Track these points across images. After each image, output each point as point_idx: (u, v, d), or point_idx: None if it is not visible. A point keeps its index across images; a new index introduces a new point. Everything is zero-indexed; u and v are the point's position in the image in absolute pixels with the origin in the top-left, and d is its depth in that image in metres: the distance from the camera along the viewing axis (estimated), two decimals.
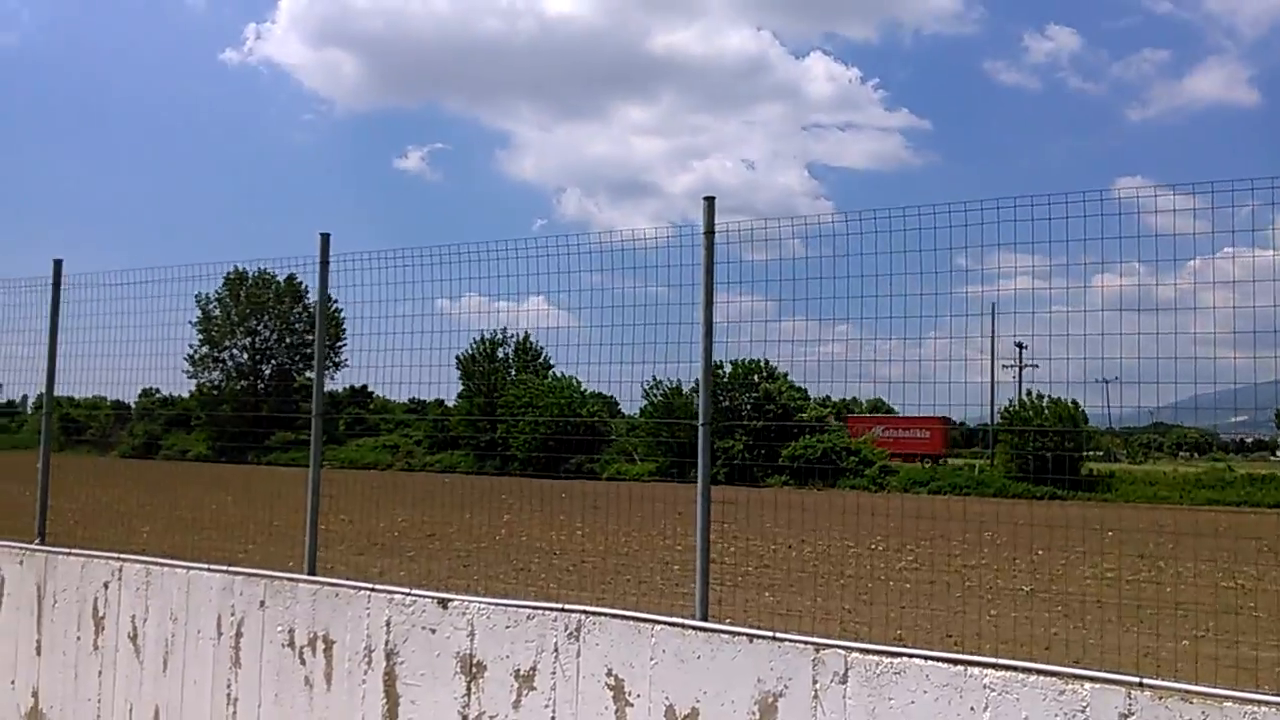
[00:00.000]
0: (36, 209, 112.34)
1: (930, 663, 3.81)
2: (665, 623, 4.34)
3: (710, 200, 4.55)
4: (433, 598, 4.97)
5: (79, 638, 6.09)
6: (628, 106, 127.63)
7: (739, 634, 4.15)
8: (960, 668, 3.76)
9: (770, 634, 4.10)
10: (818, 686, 3.97)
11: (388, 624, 5.05)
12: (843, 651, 3.96)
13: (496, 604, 4.80)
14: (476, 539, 19.44)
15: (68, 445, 20.96)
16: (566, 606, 4.62)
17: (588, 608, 4.59)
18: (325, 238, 5.80)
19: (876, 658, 3.89)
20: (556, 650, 4.56)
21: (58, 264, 6.82)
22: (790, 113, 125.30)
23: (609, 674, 4.42)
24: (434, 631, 4.91)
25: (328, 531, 19.93)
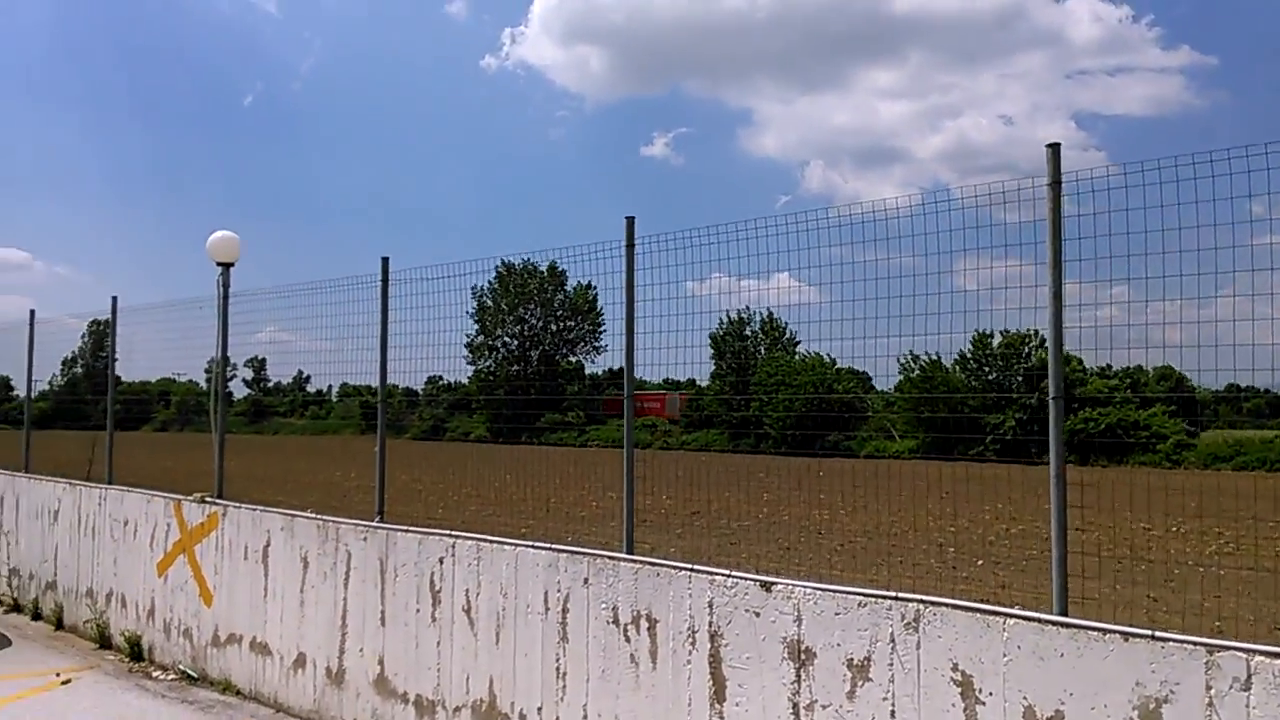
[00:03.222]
0: (347, 214, 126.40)
1: None
2: (1020, 617, 4.03)
3: (1054, 147, 4.16)
4: (755, 580, 4.92)
5: (418, 610, 6.59)
6: (872, 71, 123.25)
7: (1111, 631, 3.77)
8: None
9: (1149, 633, 3.69)
10: (1213, 693, 3.53)
11: (710, 605, 5.05)
12: (1243, 655, 3.49)
13: (823, 589, 4.67)
14: (739, 517, 19.55)
15: (367, 430, 23.09)
16: (901, 595, 4.41)
17: (925, 597, 4.35)
18: (630, 221, 5.89)
19: None
20: (893, 641, 4.37)
21: (385, 261, 7.38)
22: (1052, 61, 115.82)
23: (954, 668, 4.17)
24: (758, 615, 4.86)
25: (599, 508, 20.85)
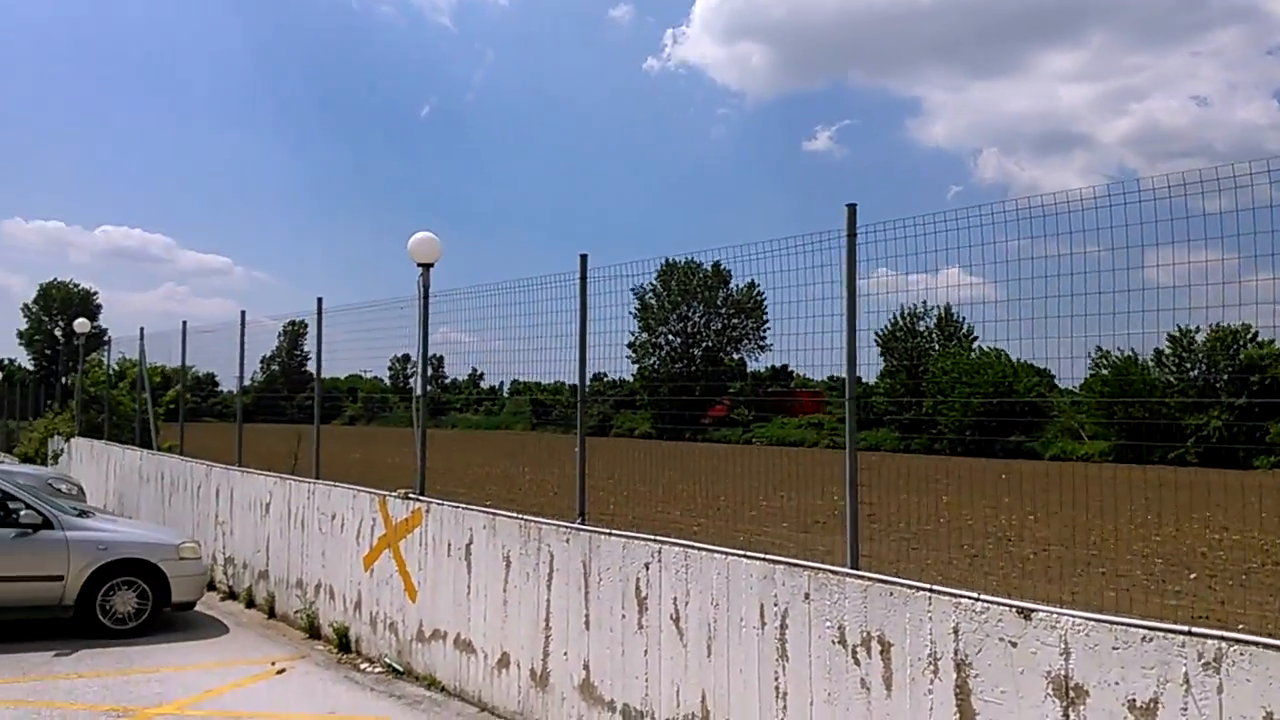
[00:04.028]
0: (515, 218, 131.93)
1: None
2: None
3: None
4: (1011, 606, 4.47)
5: (624, 616, 6.44)
6: (1050, 54, 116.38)
7: None
8: None
9: None
10: None
11: (955, 631, 4.64)
12: None
13: (1096, 620, 4.18)
14: (918, 521, 18.71)
15: (538, 425, 23.49)
16: (1196, 630, 3.88)
17: (1226, 633, 3.81)
18: (852, 209, 5.57)
19: None
20: (1187, 681, 3.84)
21: (583, 258, 7.31)
22: (1249, 37, 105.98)
23: (1269, 718, 3.62)
24: (1015, 645, 4.41)
25: (769, 507, 20.42)
